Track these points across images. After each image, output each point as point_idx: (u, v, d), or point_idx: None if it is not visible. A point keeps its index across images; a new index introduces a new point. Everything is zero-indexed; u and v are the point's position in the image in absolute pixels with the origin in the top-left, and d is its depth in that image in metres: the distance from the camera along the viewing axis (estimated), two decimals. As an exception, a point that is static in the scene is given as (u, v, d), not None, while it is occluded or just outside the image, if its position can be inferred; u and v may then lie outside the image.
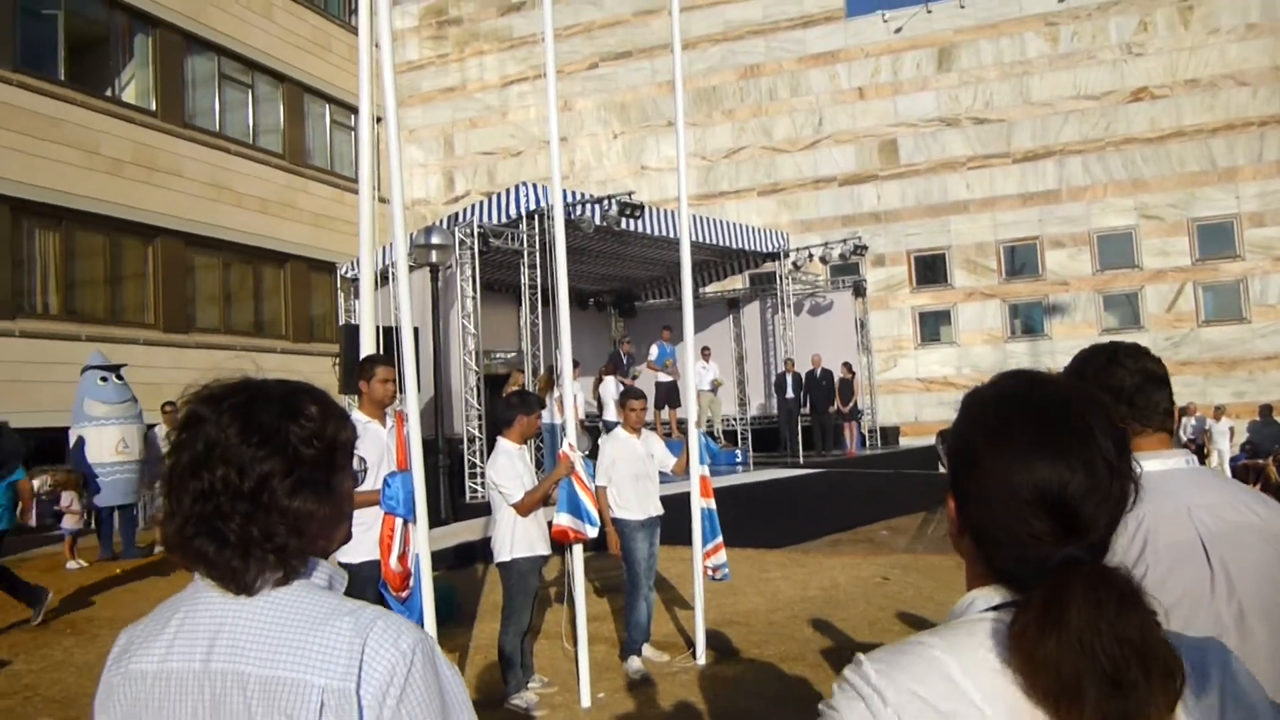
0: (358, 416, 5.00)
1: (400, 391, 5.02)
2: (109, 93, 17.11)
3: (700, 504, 6.64)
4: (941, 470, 1.19)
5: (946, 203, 20.68)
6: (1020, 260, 20.42)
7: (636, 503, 6.49)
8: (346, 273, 16.59)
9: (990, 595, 1.08)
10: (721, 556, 6.66)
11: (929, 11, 20.84)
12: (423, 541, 4.42)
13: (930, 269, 21.00)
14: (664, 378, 16.53)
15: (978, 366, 20.17)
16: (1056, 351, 19.07)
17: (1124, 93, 19.54)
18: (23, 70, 15.06)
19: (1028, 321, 20.29)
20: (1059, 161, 19.94)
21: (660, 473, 6.78)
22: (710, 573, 6.64)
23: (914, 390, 20.82)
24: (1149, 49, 19.44)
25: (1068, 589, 0.96)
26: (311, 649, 1.14)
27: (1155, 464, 1.71)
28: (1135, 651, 0.94)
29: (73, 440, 11.44)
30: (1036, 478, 1.04)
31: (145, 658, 1.21)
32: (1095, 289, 19.69)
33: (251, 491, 1.18)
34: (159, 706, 1.18)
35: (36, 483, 12.29)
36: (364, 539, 4.61)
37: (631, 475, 6.50)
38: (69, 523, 11.21)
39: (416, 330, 6.50)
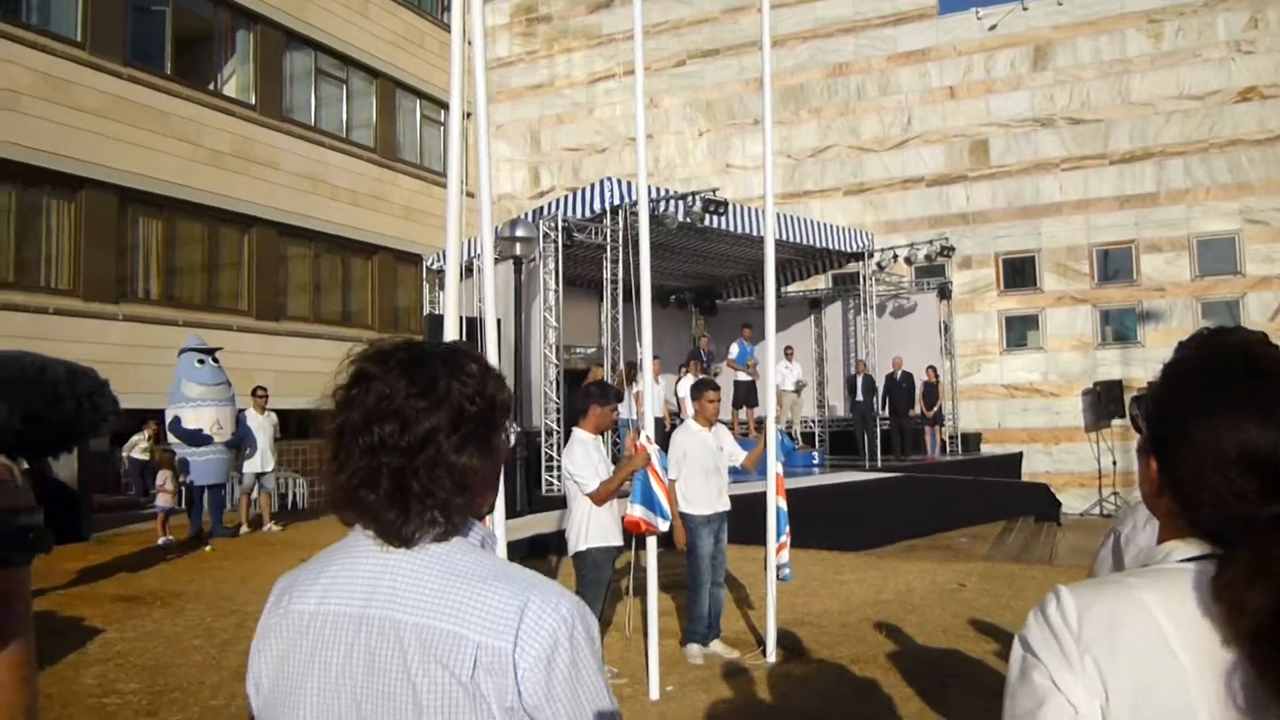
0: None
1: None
2: (211, 87, 17.73)
3: (773, 501, 6.61)
4: (1131, 429, 1.23)
5: (1038, 204, 20.16)
6: (1114, 264, 19.80)
7: (704, 497, 6.48)
8: (432, 264, 16.90)
9: (1188, 548, 1.13)
10: (784, 556, 6.62)
11: (1025, 9, 20.33)
12: (500, 532, 4.49)
13: (1019, 272, 20.50)
14: (743, 377, 16.47)
15: (1065, 374, 19.64)
16: (1149, 360, 18.44)
17: (1231, 92, 18.80)
18: (133, 64, 15.71)
19: (1120, 328, 19.66)
20: (1158, 163, 19.28)
21: (730, 468, 6.77)
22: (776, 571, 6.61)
23: (998, 396, 20.36)
24: (1259, 47, 18.66)
25: (1275, 543, 1.01)
26: (470, 605, 1.16)
27: None
28: None
29: (169, 419, 11.88)
30: (1244, 438, 1.08)
31: (303, 599, 1.25)
32: (1193, 295, 18.99)
33: (420, 445, 1.21)
34: (313, 644, 1.21)
35: (139, 440, 12.82)
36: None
37: (701, 469, 6.49)
38: (162, 500, 11.67)
39: (499, 322, 6.60)
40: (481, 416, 1.26)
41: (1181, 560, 1.11)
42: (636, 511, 5.70)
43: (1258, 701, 1.00)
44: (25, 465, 0.97)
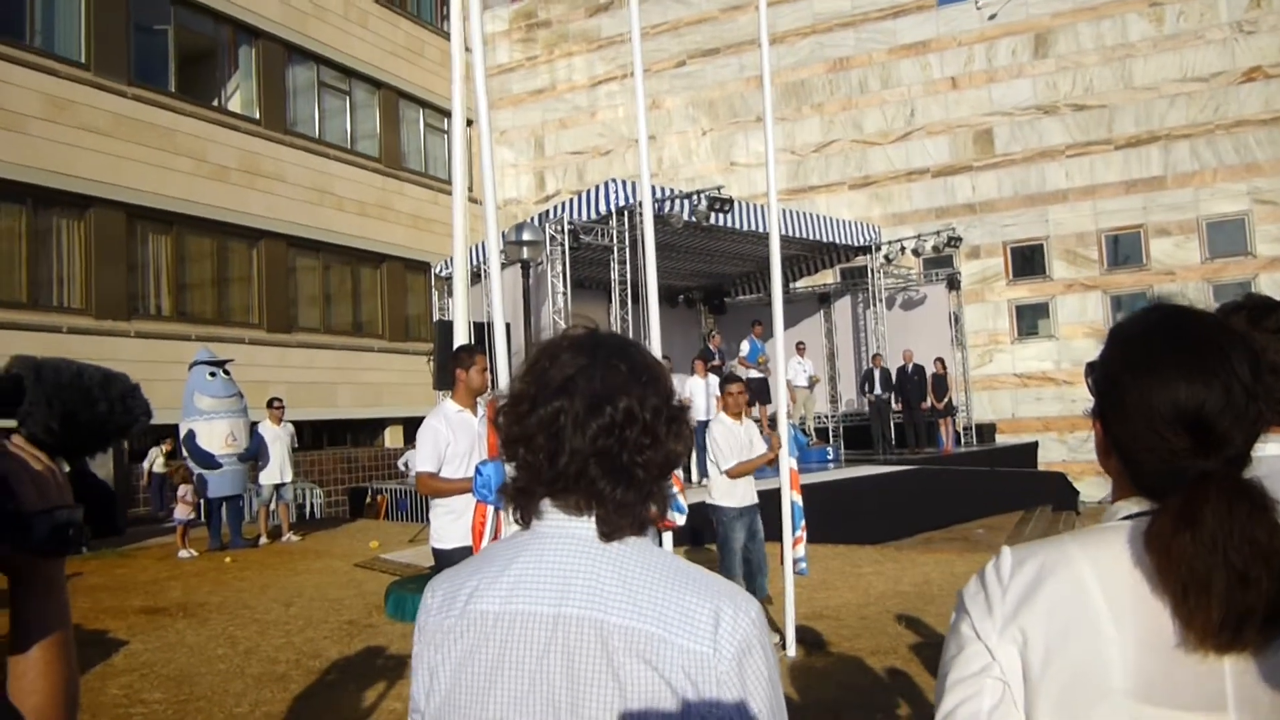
0: (449, 406, 5.13)
1: (492, 386, 5.15)
2: (216, 103, 17.82)
3: (788, 496, 6.62)
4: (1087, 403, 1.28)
5: (1045, 192, 20.11)
6: (1123, 250, 19.74)
7: (738, 490, 6.58)
8: (441, 271, 16.97)
9: (1130, 505, 1.17)
10: (801, 550, 6.64)
11: (1025, -4, 20.30)
12: (514, 529, 4.51)
13: (1028, 260, 20.46)
14: (755, 374, 16.47)
15: (1078, 361, 19.54)
16: (1163, 344, 18.36)
17: (1235, 73, 18.72)
18: (137, 83, 15.81)
19: (1131, 313, 19.57)
20: (1164, 147, 19.22)
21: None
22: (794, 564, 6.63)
23: (1010, 386, 20.31)
24: (1262, 26, 18.59)
25: (1202, 494, 1.06)
26: (671, 609, 1.15)
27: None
28: (1262, 552, 1.02)
29: (183, 433, 11.97)
30: (1175, 396, 1.12)
31: (487, 599, 1.22)
32: (1204, 278, 18.92)
33: (649, 427, 1.21)
34: (502, 644, 1.19)
35: (156, 455, 12.93)
36: (456, 526, 4.75)
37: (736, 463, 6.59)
38: (181, 513, 11.76)
39: (508, 326, 6.63)
40: (679, 404, 1.28)
41: (1124, 517, 1.16)
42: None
43: (1185, 649, 1.04)
44: (65, 466, 1.02)
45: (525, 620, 1.18)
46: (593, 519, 1.22)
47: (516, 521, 1.29)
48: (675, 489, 5.80)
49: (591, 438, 1.20)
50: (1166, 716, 1.04)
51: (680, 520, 5.85)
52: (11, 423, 0.99)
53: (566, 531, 1.23)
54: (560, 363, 1.26)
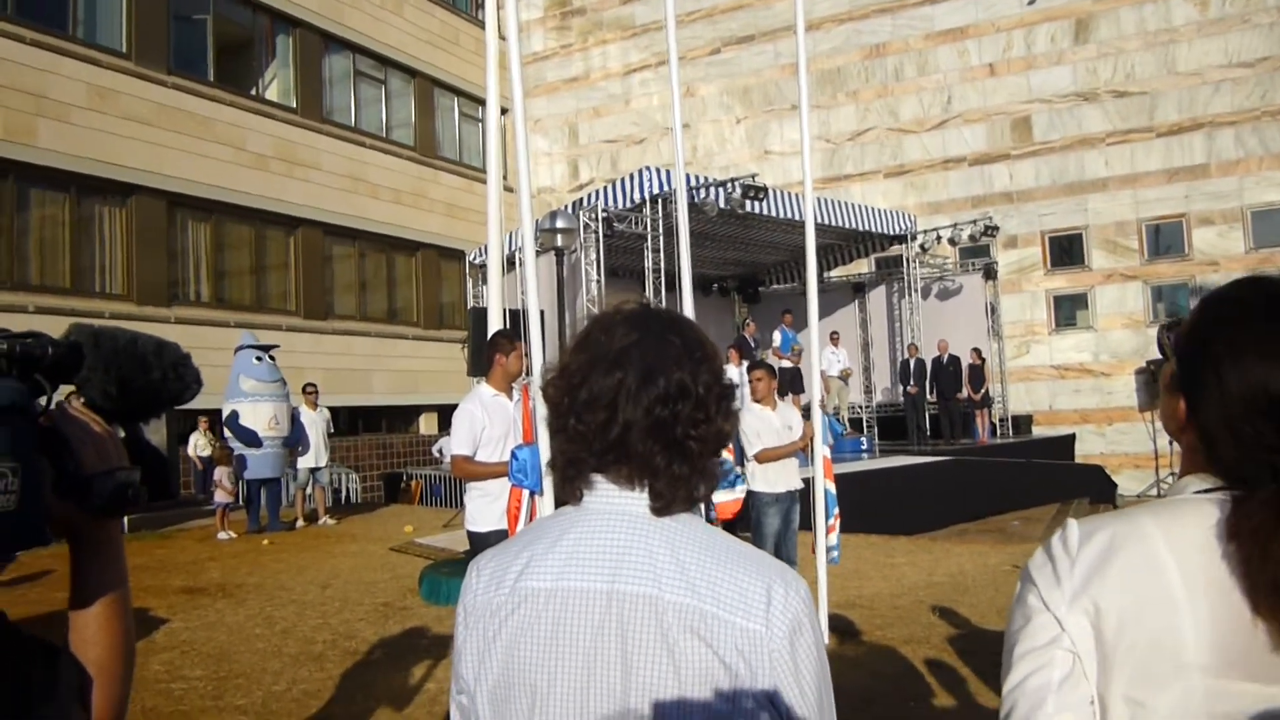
0: (485, 390, 5.16)
1: (527, 373, 5.18)
2: (254, 92, 18.00)
3: (821, 485, 6.61)
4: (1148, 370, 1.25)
5: (1084, 180, 19.82)
6: (1164, 239, 19.43)
7: (776, 475, 6.60)
8: (475, 259, 17.06)
9: (1200, 481, 1.14)
10: (834, 538, 6.63)
11: (1066, -18, 19.99)
12: (549, 512, 4.54)
13: (1066, 250, 20.19)
14: (786, 364, 16.41)
15: (1117, 353, 19.32)
16: (1204, 335, 18.05)
17: (1282, 59, 18.34)
18: (177, 73, 16.01)
19: (1172, 304, 19.27)
20: (1208, 134, 18.86)
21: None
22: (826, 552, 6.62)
23: (1048, 377, 20.08)
24: (1311, 11, 18.18)
25: None
26: (725, 587, 1.15)
27: None
28: None
29: (225, 414, 12.14)
30: (1271, 385, 1.08)
31: (538, 576, 1.21)
32: (1248, 268, 18.55)
33: (701, 402, 1.22)
34: (555, 621, 1.18)
35: (197, 439, 13.17)
36: (491, 509, 4.79)
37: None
38: (220, 496, 11.95)
39: (543, 313, 6.65)
40: (729, 383, 1.28)
41: (1196, 492, 1.13)
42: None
43: (1270, 644, 1.02)
44: (121, 432, 1.05)
45: (579, 597, 1.18)
46: (644, 493, 1.21)
47: (562, 494, 1.29)
48: (729, 458, 5.85)
49: (646, 409, 1.20)
50: (1242, 690, 1.03)
51: (739, 493, 5.96)
52: (70, 388, 1.02)
53: (617, 507, 1.22)
54: (614, 335, 1.26)
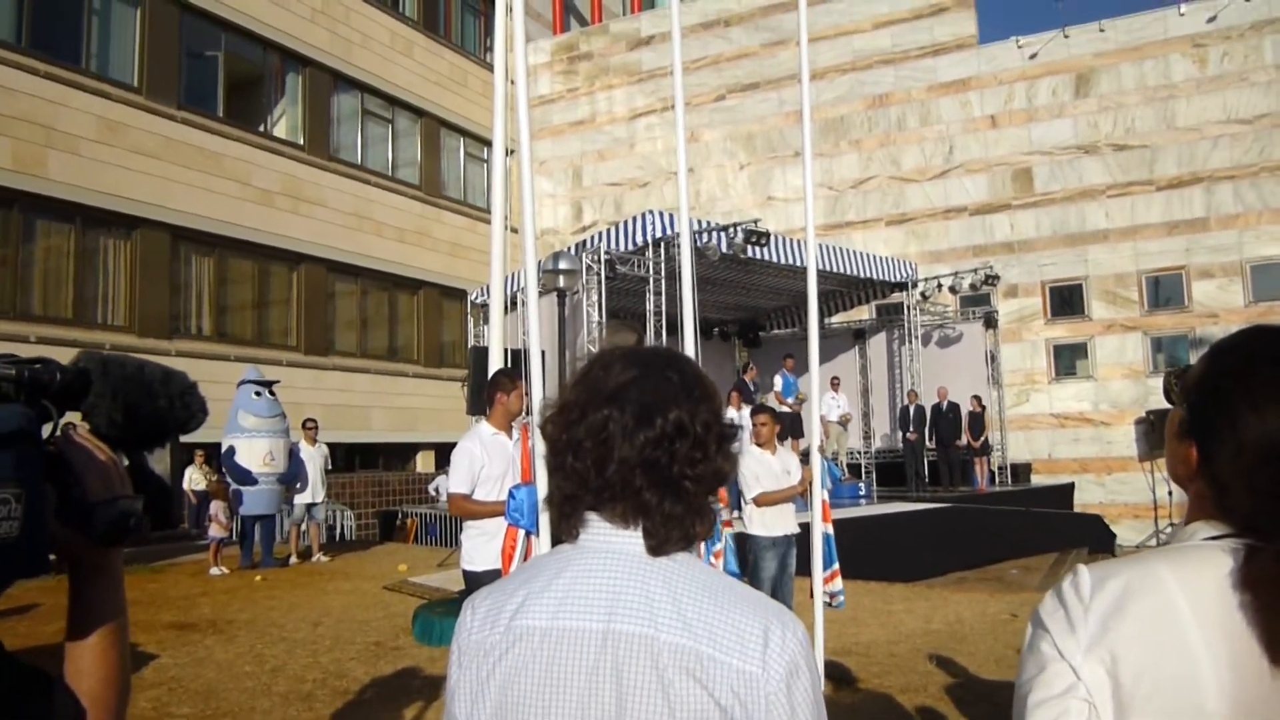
0: (485, 428, 5.15)
1: (527, 413, 5.17)
2: (262, 128, 18.18)
3: (819, 528, 6.57)
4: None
5: (1084, 232, 19.95)
6: (1164, 291, 19.50)
7: (773, 519, 6.58)
8: (476, 299, 17.10)
9: (1210, 528, 1.13)
10: (838, 584, 6.58)
11: (1066, 36, 20.25)
12: (545, 552, 4.51)
13: (1066, 300, 20.26)
14: (785, 408, 16.39)
15: (1117, 402, 19.31)
16: (1204, 388, 18.04)
17: (1280, 116, 18.53)
18: (186, 108, 16.18)
19: (1172, 355, 19.30)
20: (1207, 188, 19.01)
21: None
22: (827, 600, 6.56)
23: (1047, 426, 20.06)
24: (1308, 70, 18.40)
25: None
26: (721, 628, 1.14)
27: None
28: None
29: (224, 449, 12.12)
30: None
31: (533, 615, 1.19)
32: (1248, 321, 18.36)
33: (699, 441, 1.21)
34: (549, 660, 1.16)
35: (192, 472, 13.12)
36: (488, 548, 4.76)
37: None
38: (215, 531, 11.87)
39: (544, 354, 6.66)
40: (730, 423, 1.27)
41: (1205, 539, 1.13)
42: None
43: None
44: (125, 460, 1.05)
45: (574, 636, 1.16)
46: (639, 532, 1.20)
47: (559, 531, 1.28)
48: (720, 504, 5.82)
49: (640, 448, 1.19)
50: None
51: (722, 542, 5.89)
52: (75, 416, 1.02)
53: (613, 546, 1.21)
54: (612, 372, 1.25)
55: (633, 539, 1.20)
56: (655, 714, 1.11)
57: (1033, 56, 20.51)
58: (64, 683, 0.99)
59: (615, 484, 1.20)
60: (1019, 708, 1.13)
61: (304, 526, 13.13)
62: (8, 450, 0.86)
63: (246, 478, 11.88)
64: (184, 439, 1.18)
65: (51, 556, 0.93)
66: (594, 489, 1.22)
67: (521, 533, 4.57)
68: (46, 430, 0.95)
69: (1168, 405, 1.26)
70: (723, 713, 1.11)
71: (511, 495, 4.55)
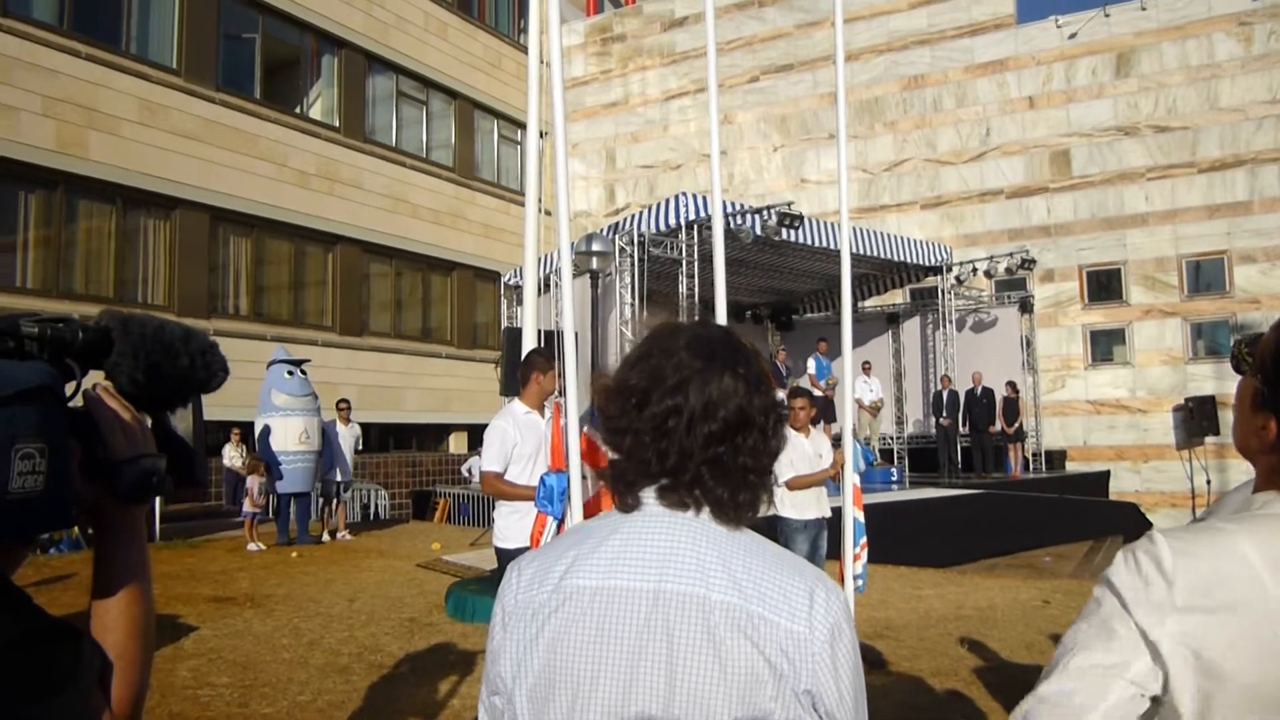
0: (518, 407, 5.19)
1: (560, 393, 5.20)
2: (298, 110, 18.32)
3: (850, 513, 6.57)
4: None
5: (1123, 215, 19.65)
6: (1205, 276, 19.18)
7: (805, 502, 6.58)
8: (510, 280, 17.17)
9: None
10: (860, 566, 6.56)
11: (1107, 15, 19.90)
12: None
13: (1104, 285, 19.98)
14: (818, 392, 16.35)
15: (1154, 389, 19.06)
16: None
17: (1328, 98, 18.13)
18: (224, 89, 16.34)
19: (1212, 341, 19.00)
20: (1251, 170, 18.65)
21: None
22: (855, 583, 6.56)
23: (1083, 413, 19.84)
24: (1358, 50, 17.98)
25: None
26: (771, 589, 1.18)
27: None
28: None
29: (258, 429, 12.30)
30: None
31: (584, 574, 1.22)
32: (1291, 308, 18.26)
33: (761, 429, 1.25)
34: (600, 619, 1.19)
35: (230, 450, 13.32)
36: (522, 524, 4.80)
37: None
38: (249, 507, 12.07)
39: (576, 335, 6.70)
40: (782, 405, 1.31)
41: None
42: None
43: None
44: (148, 419, 1.06)
45: (625, 595, 1.19)
46: (699, 513, 1.24)
47: (618, 508, 1.30)
48: None
49: (704, 443, 1.22)
50: None
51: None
52: (99, 376, 1.04)
53: (666, 513, 1.24)
54: (676, 361, 1.26)
55: (687, 513, 1.24)
56: (706, 671, 1.14)
57: (1072, 36, 20.18)
58: (91, 636, 1.02)
59: (677, 473, 1.23)
60: (1059, 658, 1.11)
61: (333, 505, 13.32)
62: (31, 405, 0.87)
63: (276, 462, 12.08)
64: (220, 417, 1.19)
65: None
66: (654, 474, 1.25)
67: (551, 521, 4.59)
68: (70, 388, 0.96)
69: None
70: (772, 670, 1.14)
71: (542, 482, 4.57)
